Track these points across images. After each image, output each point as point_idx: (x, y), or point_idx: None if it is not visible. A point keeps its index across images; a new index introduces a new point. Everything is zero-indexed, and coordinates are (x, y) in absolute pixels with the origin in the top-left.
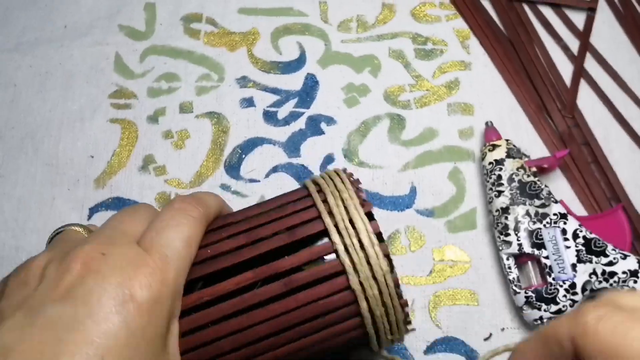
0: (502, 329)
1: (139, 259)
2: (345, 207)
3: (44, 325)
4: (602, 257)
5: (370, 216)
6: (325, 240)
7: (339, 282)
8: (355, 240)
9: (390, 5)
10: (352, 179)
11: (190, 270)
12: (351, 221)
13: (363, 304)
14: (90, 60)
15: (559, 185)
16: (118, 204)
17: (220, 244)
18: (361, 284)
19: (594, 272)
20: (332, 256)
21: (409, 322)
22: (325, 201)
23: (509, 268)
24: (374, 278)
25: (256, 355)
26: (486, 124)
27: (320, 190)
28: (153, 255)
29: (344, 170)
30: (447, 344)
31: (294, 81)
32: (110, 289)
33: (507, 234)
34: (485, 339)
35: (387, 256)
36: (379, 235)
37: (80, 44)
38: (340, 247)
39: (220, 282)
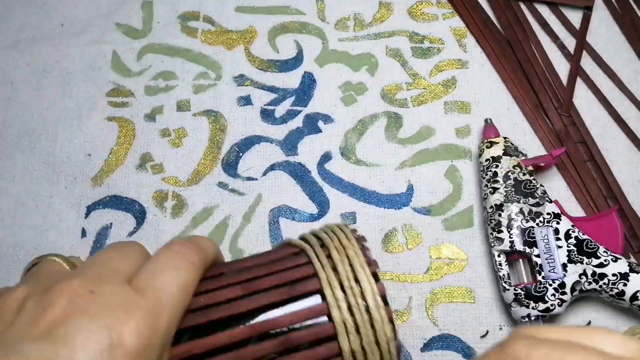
0: (500, 327)
1: (130, 300)
2: (351, 265)
3: None
4: (593, 258)
5: (375, 277)
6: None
7: (339, 346)
8: (360, 301)
9: (388, 3)
10: (357, 235)
11: (182, 318)
12: (356, 280)
13: None
14: (88, 59)
15: (555, 183)
16: (115, 201)
17: (215, 293)
18: (363, 348)
19: (584, 273)
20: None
21: None
22: (329, 257)
23: (500, 265)
24: (377, 343)
25: None
26: (485, 121)
27: (323, 245)
28: (147, 298)
29: (347, 226)
30: (444, 341)
31: (291, 79)
32: (97, 332)
33: (500, 231)
34: (482, 336)
35: (392, 321)
36: (383, 298)
37: (77, 42)
38: (344, 306)
39: (211, 333)
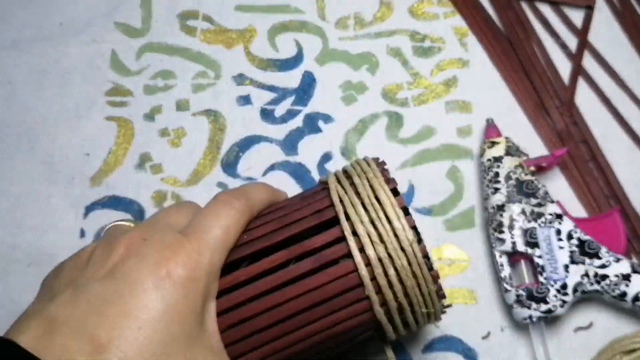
0: (502, 329)
1: (176, 242)
2: (371, 186)
3: (88, 300)
4: (595, 259)
5: (395, 192)
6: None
7: (366, 255)
8: (381, 214)
9: (388, 2)
10: (376, 160)
11: (229, 254)
12: (377, 197)
13: (391, 272)
14: (87, 58)
15: (557, 184)
16: (114, 202)
17: (256, 230)
18: (389, 254)
19: (586, 274)
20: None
21: (444, 296)
22: (352, 184)
23: (502, 265)
24: (402, 249)
25: (292, 330)
26: (487, 120)
27: (348, 176)
28: (190, 240)
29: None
30: (445, 342)
31: (291, 79)
32: (149, 268)
33: (502, 232)
34: (484, 338)
35: (414, 227)
36: (404, 209)
37: (76, 41)
38: (366, 220)
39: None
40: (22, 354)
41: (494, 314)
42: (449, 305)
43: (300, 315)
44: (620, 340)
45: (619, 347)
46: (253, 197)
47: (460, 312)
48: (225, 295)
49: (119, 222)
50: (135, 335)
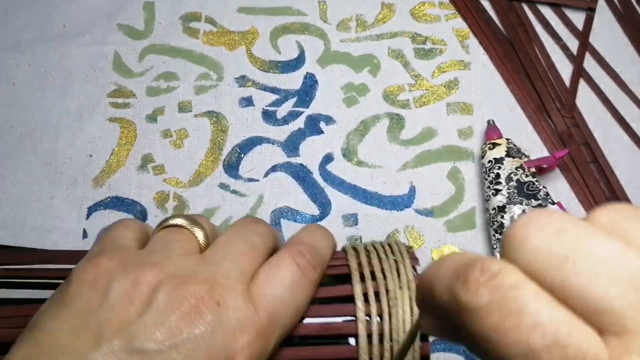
0: None
1: (248, 319)
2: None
3: None
4: None
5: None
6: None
7: None
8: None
9: (390, 4)
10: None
11: None
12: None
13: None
14: (89, 60)
15: (558, 185)
16: (117, 203)
17: None
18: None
19: None
20: None
21: None
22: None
23: None
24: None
25: None
26: (488, 122)
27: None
28: (260, 314)
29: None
30: (446, 343)
31: (293, 80)
32: (216, 347)
33: (502, 233)
34: None
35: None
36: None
37: (79, 43)
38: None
39: None
40: None
41: None
42: None
43: None
44: None
45: None
46: (322, 251)
47: None
48: None
49: (173, 226)
50: None
